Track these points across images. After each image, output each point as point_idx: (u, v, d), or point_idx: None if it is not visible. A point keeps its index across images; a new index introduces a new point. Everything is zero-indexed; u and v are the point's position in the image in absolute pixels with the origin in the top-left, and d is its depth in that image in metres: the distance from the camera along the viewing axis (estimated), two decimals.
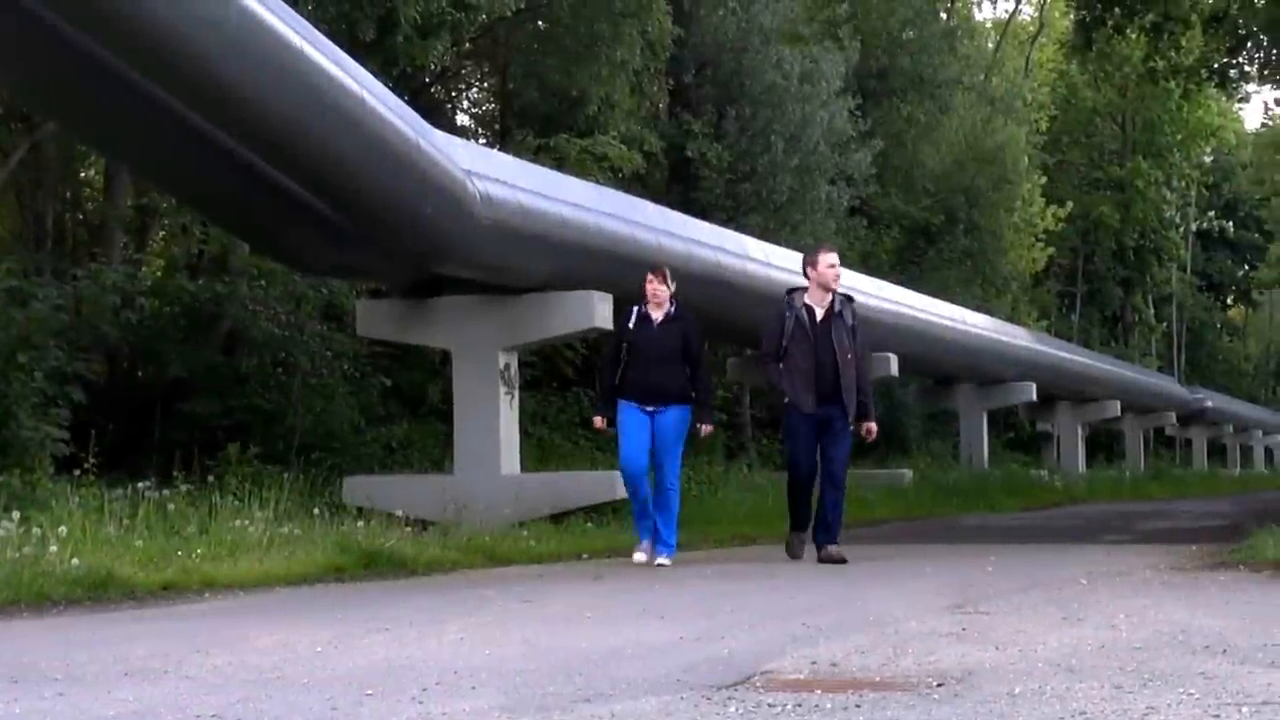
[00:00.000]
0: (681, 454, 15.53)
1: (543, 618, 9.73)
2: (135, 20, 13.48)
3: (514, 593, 11.79)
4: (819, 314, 15.00)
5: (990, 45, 54.84)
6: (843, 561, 14.36)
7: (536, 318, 19.98)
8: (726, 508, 22.69)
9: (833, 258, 15.31)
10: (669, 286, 15.39)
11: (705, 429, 15.66)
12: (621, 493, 20.12)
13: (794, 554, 15.11)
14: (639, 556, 15.09)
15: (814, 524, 15.05)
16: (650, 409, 15.13)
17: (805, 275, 15.35)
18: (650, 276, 15.53)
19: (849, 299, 15.44)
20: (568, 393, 29.52)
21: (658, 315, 15.29)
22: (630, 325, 15.42)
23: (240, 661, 7.47)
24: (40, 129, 25.13)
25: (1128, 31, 23.24)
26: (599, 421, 15.86)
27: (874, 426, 15.32)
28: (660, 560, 14.89)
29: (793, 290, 15.45)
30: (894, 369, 28.90)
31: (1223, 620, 8.54)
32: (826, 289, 15.11)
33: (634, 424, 15.14)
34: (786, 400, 15.06)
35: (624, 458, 15.30)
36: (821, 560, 14.52)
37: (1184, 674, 6.38)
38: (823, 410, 14.86)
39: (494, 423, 19.86)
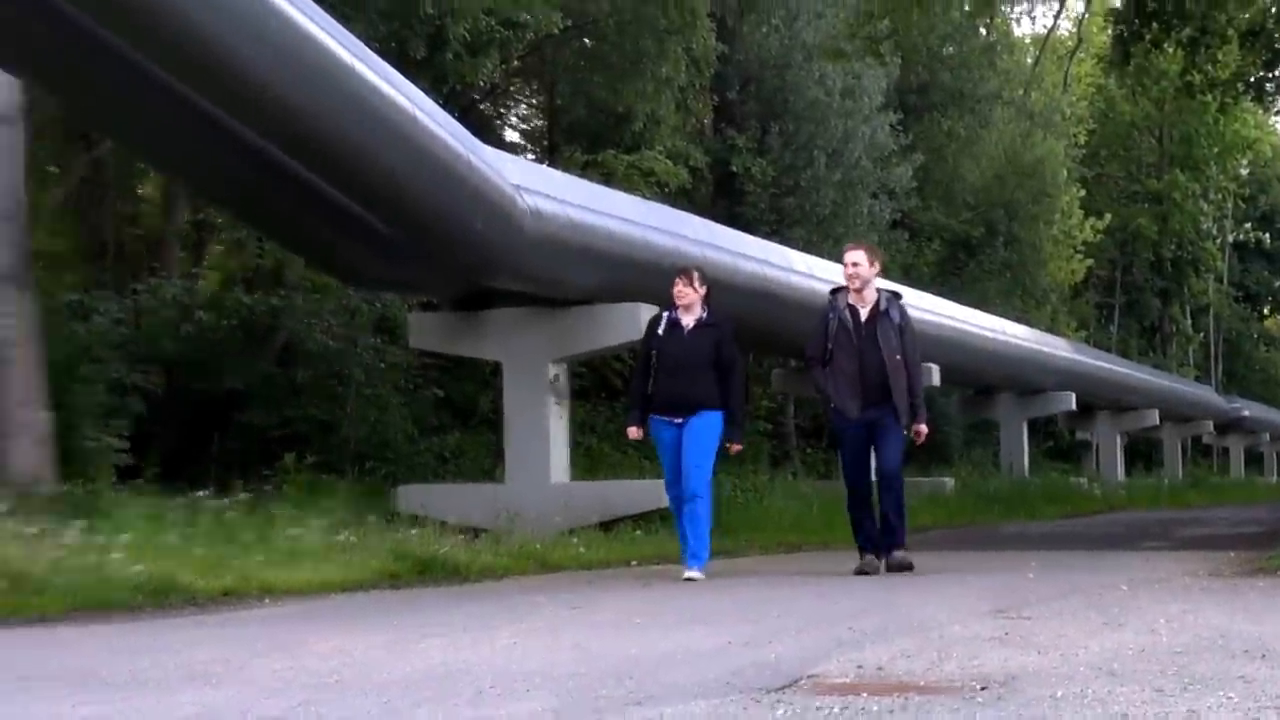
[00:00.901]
0: (711, 462, 14.43)
1: (593, 623, 9.74)
2: (193, 40, 13.56)
3: (564, 599, 11.79)
4: (863, 314, 14.09)
5: (1029, 60, 54.59)
6: (909, 568, 13.78)
7: (585, 329, 19.98)
8: (771, 515, 22.62)
9: (853, 255, 14.44)
10: (696, 289, 14.44)
11: (734, 448, 14.62)
12: (667, 501, 20.24)
13: (866, 572, 13.88)
14: (691, 574, 13.90)
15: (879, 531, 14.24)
16: (679, 421, 14.22)
17: None
18: (676, 279, 14.63)
19: (896, 295, 14.57)
20: (616, 403, 29.48)
21: (689, 321, 14.36)
22: (660, 331, 14.51)
23: (299, 666, 7.50)
24: (99, 147, 25.26)
25: (1165, 46, 23.20)
26: (633, 431, 14.88)
27: (924, 429, 14.28)
28: (690, 574, 13.86)
29: (836, 290, 14.55)
30: (936, 379, 28.79)
31: (1261, 625, 8.51)
32: (856, 289, 14.20)
33: (670, 445, 14.36)
34: (832, 406, 14.29)
35: (666, 482, 14.73)
36: (888, 568, 13.85)
37: (1224, 678, 6.35)
38: (870, 414, 13.98)
39: (544, 432, 19.88)
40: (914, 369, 14.17)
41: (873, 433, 14.07)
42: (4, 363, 16.96)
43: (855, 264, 14.18)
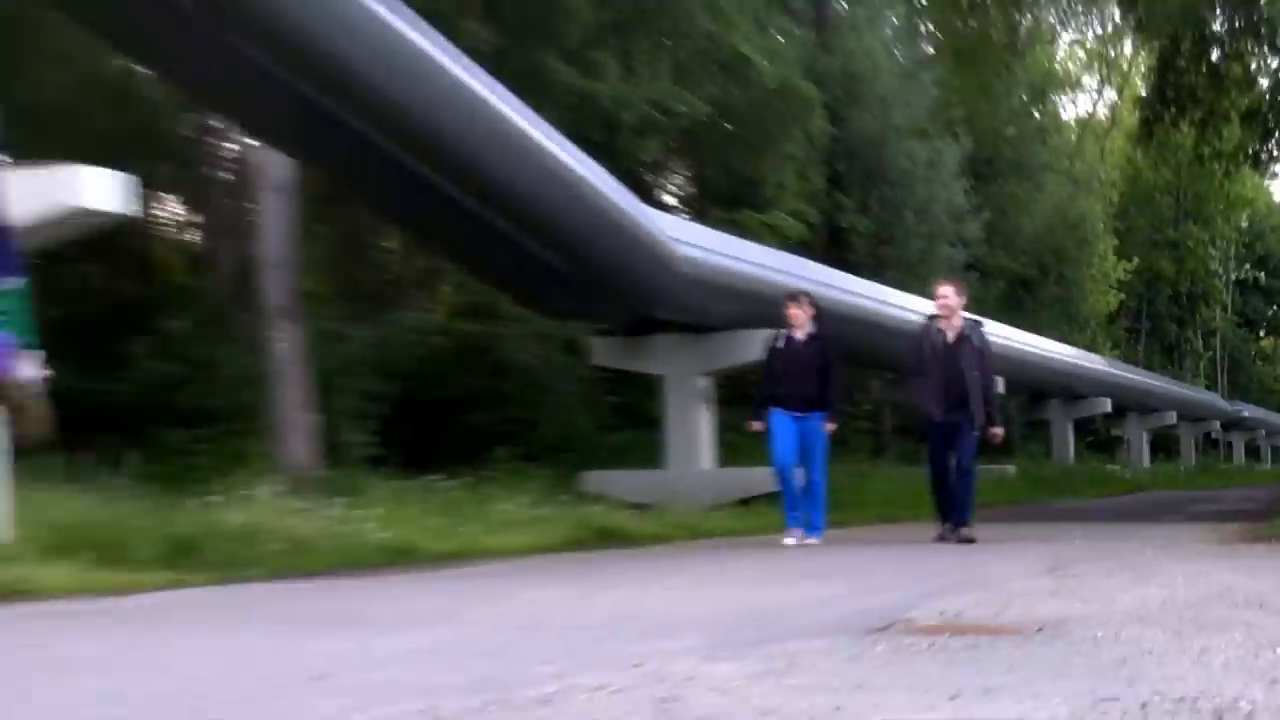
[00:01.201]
0: (827, 454, 14.58)
1: (734, 579, 9.72)
2: (431, 133, 13.77)
3: (712, 560, 11.79)
4: (950, 337, 13.94)
5: (1073, 138, 54.10)
6: (972, 541, 13.48)
7: (726, 350, 19.95)
8: (871, 495, 22.45)
9: (944, 289, 14.33)
10: (804, 310, 14.43)
11: (828, 426, 14.48)
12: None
13: (944, 539, 13.80)
14: (789, 540, 14.00)
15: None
16: (797, 415, 14.17)
17: None
18: (788, 303, 14.59)
19: (978, 323, 14.48)
20: (749, 406, 29.36)
21: (800, 335, 14.36)
22: (778, 345, 14.49)
23: (508, 612, 7.53)
24: (353, 210, 25.49)
25: (1181, 125, 23.00)
26: (756, 425, 14.72)
27: (999, 431, 14.21)
28: (810, 540, 14.01)
29: (932, 316, 14.41)
30: (1001, 388, 28.55)
31: (1260, 581, 8.35)
32: (945, 316, 14.10)
33: (783, 427, 14.20)
34: (922, 409, 14.18)
35: (776, 455, 14.33)
36: (957, 540, 13.60)
37: (1230, 623, 6.23)
38: (951, 417, 13.79)
39: (695, 430, 19.90)
40: (990, 384, 14.13)
41: (952, 432, 13.88)
42: (284, 376, 17.16)
43: (945, 296, 14.12)
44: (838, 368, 14.54)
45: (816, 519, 14.37)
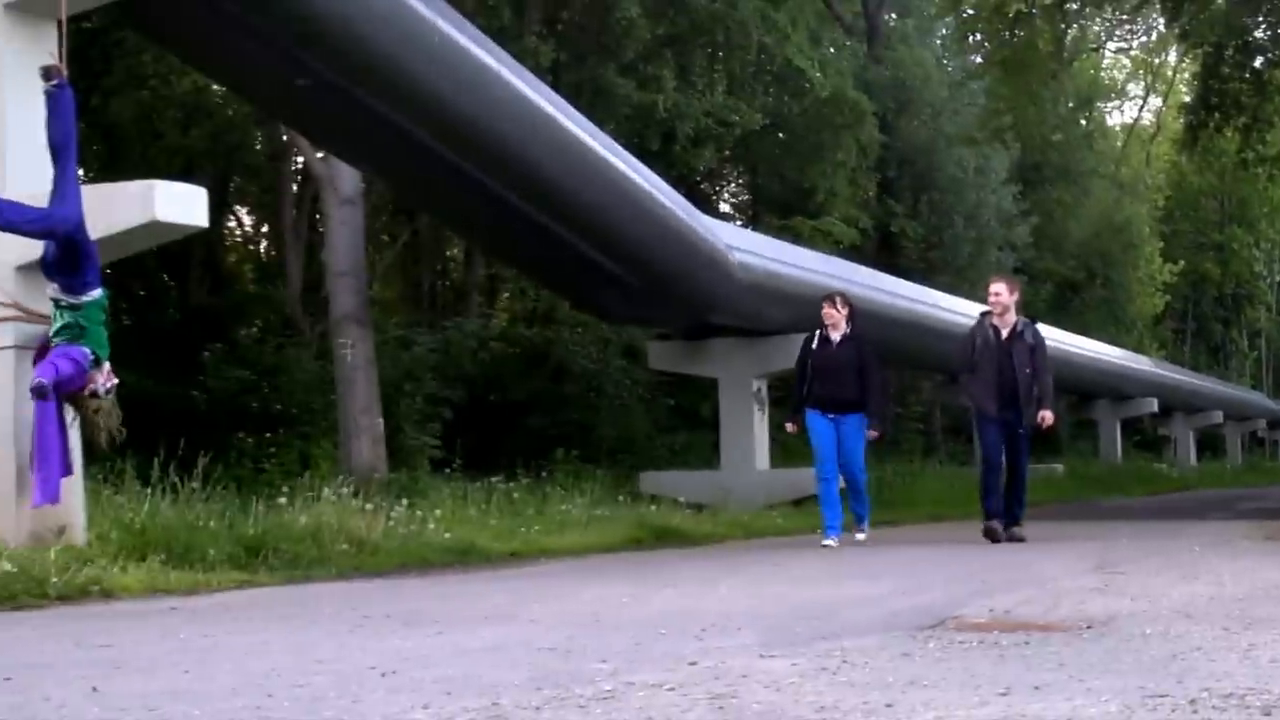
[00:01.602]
0: (863, 451, 13.98)
1: (788, 577, 9.68)
2: (497, 146, 13.82)
3: (766, 559, 11.74)
4: (1003, 334, 13.52)
5: (1119, 144, 53.79)
6: (1022, 541, 13.14)
7: (780, 353, 19.83)
8: (922, 494, 22.40)
9: (995, 286, 13.97)
10: (840, 310, 13.87)
11: (872, 434, 14.05)
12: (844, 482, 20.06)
13: (992, 538, 13.29)
14: (829, 542, 13.32)
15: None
16: (832, 415, 13.65)
17: None
18: (824, 303, 14.03)
19: (1032, 320, 13.99)
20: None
21: (836, 336, 13.77)
22: (814, 346, 13.91)
23: (568, 609, 7.51)
24: (417, 220, 25.61)
25: (1225, 131, 22.84)
26: (791, 427, 14.35)
27: (1049, 415, 13.57)
28: (859, 535, 13.81)
29: (984, 313, 14.02)
30: (1050, 395, 28.39)
31: None
32: (998, 314, 13.68)
33: (823, 430, 13.70)
34: (977, 405, 13.80)
35: (817, 459, 13.90)
36: (1008, 539, 13.19)
37: (1277, 619, 6.20)
38: (1006, 415, 13.45)
39: (750, 431, 19.84)
40: (1043, 376, 13.61)
41: (1007, 433, 13.56)
42: (350, 381, 17.25)
43: (997, 293, 13.73)
44: (875, 369, 14.05)
45: (862, 510, 14.12)
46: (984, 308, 14.44)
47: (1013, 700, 4.19)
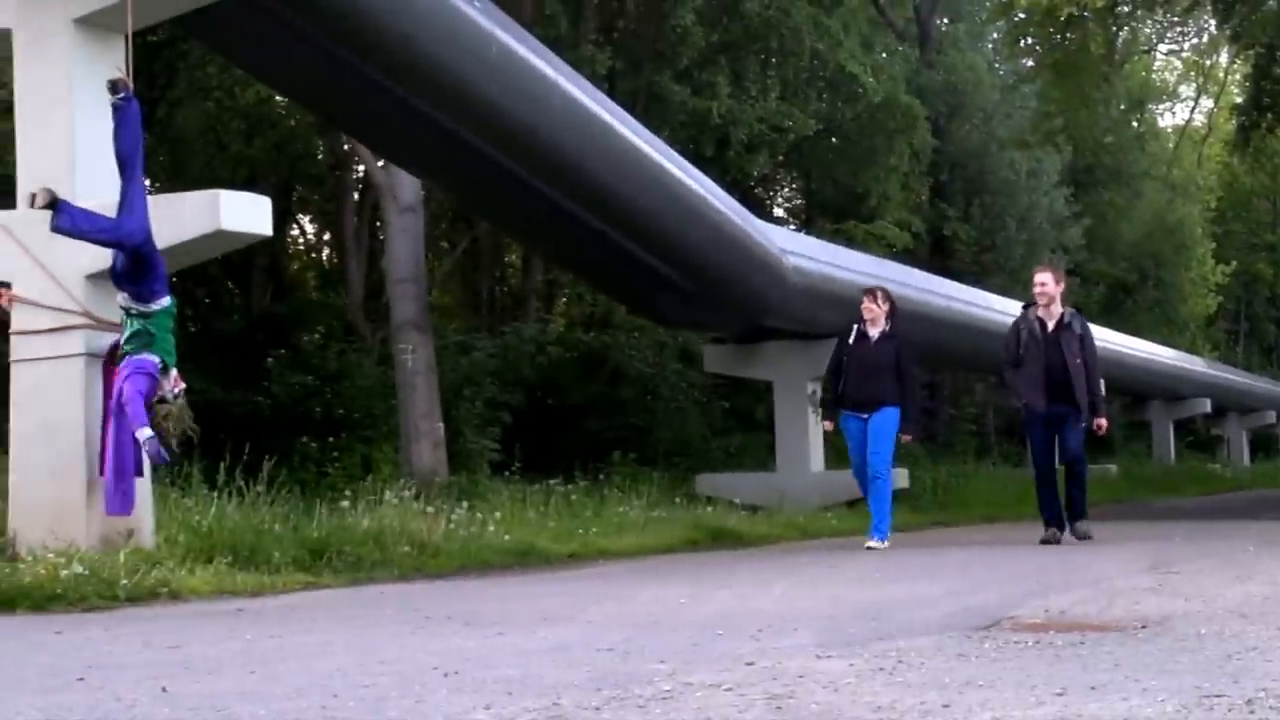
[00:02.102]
0: (891, 449, 13.30)
1: (843, 578, 9.65)
2: (556, 155, 13.89)
3: (821, 560, 11.72)
4: (1049, 326, 12.96)
5: (1171, 146, 53.41)
6: (1089, 539, 12.69)
7: None
8: (976, 495, 22.31)
9: (1041, 275, 13.32)
10: (880, 306, 13.33)
11: (906, 438, 13.64)
12: (901, 483, 19.97)
13: (1049, 542, 12.72)
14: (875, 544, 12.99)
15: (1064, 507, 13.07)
16: (865, 415, 13.16)
17: None
18: (865, 297, 13.55)
19: (1079, 310, 13.54)
20: None
21: (874, 333, 13.24)
22: (850, 341, 13.39)
23: (626, 610, 7.53)
24: (476, 226, 25.67)
25: (1277, 131, 22.67)
26: (828, 425, 14.05)
27: (1104, 422, 13.31)
28: (871, 543, 12.91)
29: (1028, 306, 13.40)
30: (1102, 389, 28.19)
31: None
32: (1044, 305, 13.08)
33: (858, 435, 13.27)
34: (1023, 400, 13.17)
35: (853, 465, 13.61)
36: (1075, 537, 12.77)
37: None
38: (1055, 408, 12.85)
39: (805, 433, 19.78)
40: (1093, 371, 13.07)
41: (1057, 425, 12.99)
42: (412, 386, 17.31)
43: (1043, 283, 13.14)
44: (912, 371, 13.53)
45: (879, 520, 13.23)
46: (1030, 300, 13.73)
47: (1069, 700, 4.17)
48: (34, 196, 9.31)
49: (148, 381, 9.17)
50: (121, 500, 9.17)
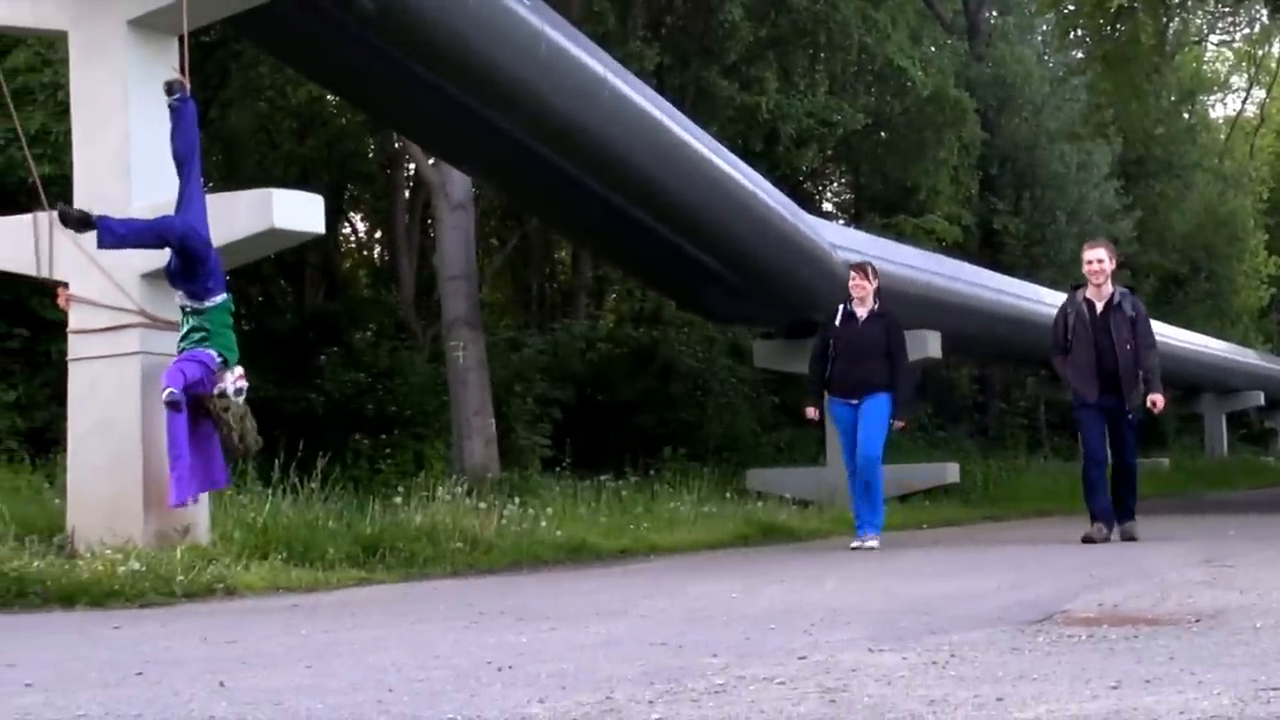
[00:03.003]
0: (883, 436, 12.40)
1: (895, 572, 9.63)
2: (611, 155, 13.92)
3: (872, 554, 11.69)
4: (1099, 307, 12.06)
5: (1222, 137, 53.01)
6: (1134, 540, 11.88)
7: None
8: (1028, 489, 22.24)
9: (1096, 252, 12.24)
10: (870, 282, 12.47)
11: (899, 425, 12.64)
12: (952, 478, 19.89)
13: (1093, 539, 11.86)
14: (856, 544, 12.28)
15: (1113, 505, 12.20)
16: (855, 402, 12.34)
17: None
18: (853, 273, 12.68)
19: (1131, 290, 12.46)
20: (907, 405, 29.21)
21: (862, 312, 12.39)
22: (836, 323, 12.52)
23: (678, 605, 7.53)
24: (526, 224, 25.74)
25: None
26: (811, 412, 12.83)
27: (1159, 399, 12.07)
28: (868, 542, 12.18)
29: (1076, 287, 12.47)
30: (1155, 365, 27.98)
31: None
32: (1096, 284, 12.16)
33: (848, 423, 12.47)
34: (1073, 390, 12.26)
35: (847, 459, 12.75)
36: (1121, 538, 11.93)
37: None
38: (1108, 399, 11.96)
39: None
40: (1145, 351, 12.09)
41: (1110, 420, 12.11)
42: (463, 383, 17.37)
43: (1099, 260, 12.14)
44: (903, 352, 12.62)
45: (871, 514, 12.50)
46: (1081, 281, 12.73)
47: (1124, 694, 4.15)
48: (65, 217, 9.29)
49: (199, 369, 9.17)
50: (175, 488, 9.17)
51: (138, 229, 9.25)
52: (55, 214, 9.53)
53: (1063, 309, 12.42)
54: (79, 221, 9.20)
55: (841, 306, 12.62)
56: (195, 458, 9.22)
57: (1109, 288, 12.21)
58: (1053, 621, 6.13)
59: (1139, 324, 12.16)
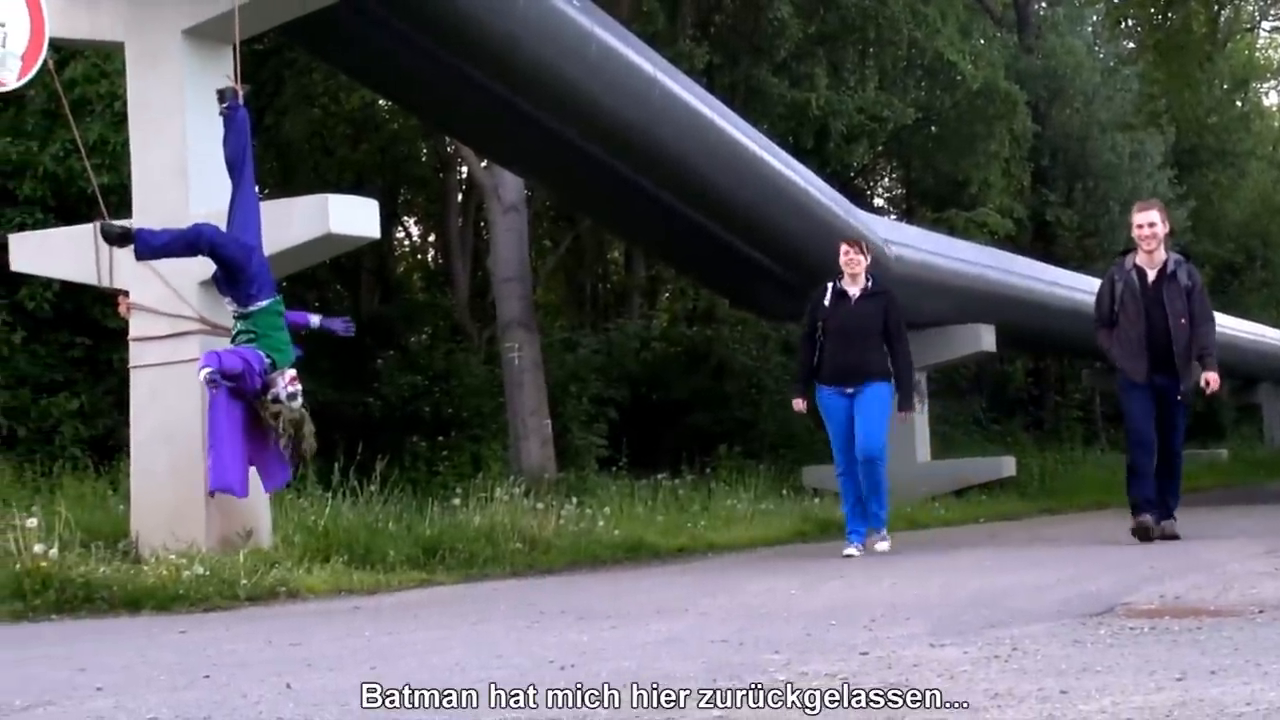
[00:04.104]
0: (885, 430, 11.04)
1: (953, 566, 9.61)
2: (667, 157, 13.93)
3: (931, 549, 11.65)
4: (1150, 276, 10.70)
5: (1276, 124, 52.51)
6: (1175, 539, 10.73)
7: (937, 345, 19.72)
8: (1084, 482, 22.11)
9: (1147, 214, 10.77)
10: (865, 256, 11.15)
11: (904, 416, 11.50)
12: (1008, 471, 19.79)
13: (1143, 537, 10.67)
14: (849, 551, 10.86)
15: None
16: (850, 390, 10.95)
17: None
18: (845, 247, 11.22)
19: (1186, 257, 11.00)
20: (961, 400, 29.14)
21: (854, 290, 11.03)
22: (825, 303, 11.10)
23: (737, 602, 7.52)
24: (579, 224, 25.77)
25: None
26: (799, 404, 11.52)
27: (1214, 376, 10.67)
28: (880, 544, 11.05)
29: (1124, 252, 11.11)
30: (1213, 341, 27.72)
31: None
32: (1148, 250, 10.76)
33: (839, 413, 11.05)
34: (1119, 368, 10.93)
35: (836, 452, 11.21)
36: (1161, 536, 10.70)
37: None
38: (1158, 379, 10.68)
39: (910, 424, 19.62)
40: (1201, 325, 10.73)
41: (1158, 400, 10.79)
42: (519, 385, 17.42)
43: (1151, 223, 10.70)
44: (903, 332, 11.25)
45: (878, 509, 11.20)
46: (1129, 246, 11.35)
47: (1189, 685, 4.12)
48: (107, 234, 9.35)
49: (239, 361, 9.10)
50: (212, 473, 9.12)
51: (171, 239, 9.25)
52: (98, 228, 9.57)
53: (1109, 277, 11.08)
54: (120, 237, 9.23)
55: (830, 284, 11.26)
56: (241, 449, 9.19)
57: (1162, 254, 10.85)
58: (1114, 614, 6.09)
59: (1195, 295, 10.80)
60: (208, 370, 8.91)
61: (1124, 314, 10.78)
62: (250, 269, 9.31)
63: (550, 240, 28.28)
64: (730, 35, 25.02)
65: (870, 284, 11.15)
